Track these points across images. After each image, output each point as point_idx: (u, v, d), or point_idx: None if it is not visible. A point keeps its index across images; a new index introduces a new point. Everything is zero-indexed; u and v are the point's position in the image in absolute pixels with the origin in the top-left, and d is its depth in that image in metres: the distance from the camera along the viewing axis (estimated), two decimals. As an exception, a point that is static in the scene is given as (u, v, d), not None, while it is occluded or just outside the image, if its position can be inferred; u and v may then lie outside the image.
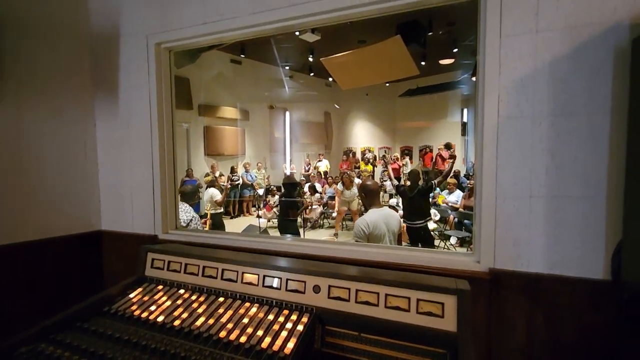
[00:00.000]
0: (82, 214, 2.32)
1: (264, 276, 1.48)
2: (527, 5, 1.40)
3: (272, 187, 9.28)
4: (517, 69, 1.43)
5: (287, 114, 12.08)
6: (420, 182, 4.93)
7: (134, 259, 1.74)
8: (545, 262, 1.43)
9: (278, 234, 5.35)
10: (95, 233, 2.37)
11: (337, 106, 13.58)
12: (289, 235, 4.67)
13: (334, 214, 7.62)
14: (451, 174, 6.80)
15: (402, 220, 4.16)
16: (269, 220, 8.26)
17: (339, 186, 7.48)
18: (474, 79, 1.28)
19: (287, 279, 1.44)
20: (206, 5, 2.01)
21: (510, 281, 1.46)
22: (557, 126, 1.39)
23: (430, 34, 7.07)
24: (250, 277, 1.51)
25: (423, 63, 8.96)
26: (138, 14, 2.21)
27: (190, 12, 2.05)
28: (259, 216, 7.35)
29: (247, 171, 9.45)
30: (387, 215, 2.59)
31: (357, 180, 7.47)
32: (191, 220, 3.06)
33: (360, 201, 5.95)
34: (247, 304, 1.41)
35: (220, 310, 1.38)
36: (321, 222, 8.16)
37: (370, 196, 2.68)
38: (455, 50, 8.64)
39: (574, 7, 1.34)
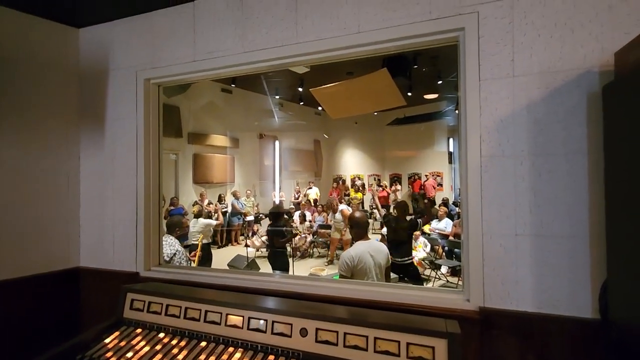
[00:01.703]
0: (60, 250, 2.24)
1: (249, 318, 1.44)
2: (503, 52, 1.48)
3: (261, 215, 9.18)
4: (497, 110, 1.49)
5: (277, 142, 12.19)
6: (408, 218, 4.90)
7: (114, 297, 1.68)
8: (534, 301, 1.42)
9: (267, 264, 5.23)
10: (73, 270, 2.28)
11: (326, 136, 13.81)
12: (277, 272, 4.57)
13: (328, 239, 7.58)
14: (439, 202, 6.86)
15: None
16: (257, 250, 8.11)
17: (329, 215, 7.49)
18: (457, 112, 1.34)
19: (273, 321, 1.40)
20: (196, 44, 2.07)
21: (500, 320, 1.45)
22: (537, 166, 1.43)
23: (415, 67, 7.37)
24: (234, 319, 1.46)
25: (409, 94, 9.26)
26: (128, 50, 2.25)
27: (180, 49, 2.11)
28: (247, 245, 7.21)
29: (236, 199, 9.36)
30: (374, 249, 2.56)
31: (343, 207, 7.46)
32: (174, 254, 2.98)
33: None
34: (231, 349, 1.36)
35: (202, 357, 1.32)
36: (311, 251, 8.05)
37: (357, 228, 2.66)
38: (440, 82, 9.00)
39: (547, 55, 1.42)
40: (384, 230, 7.35)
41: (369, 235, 2.70)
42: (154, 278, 2.09)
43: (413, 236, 5.21)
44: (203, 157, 9.83)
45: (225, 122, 10.36)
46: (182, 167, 9.24)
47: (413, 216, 5.41)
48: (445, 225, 6.79)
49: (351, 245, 2.62)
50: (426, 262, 6.15)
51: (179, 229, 3.35)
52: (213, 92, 10.04)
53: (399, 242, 4.57)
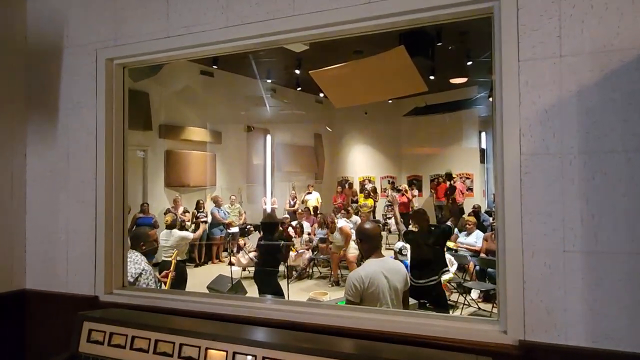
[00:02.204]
0: (0, 269, 2.24)
1: (234, 353, 1.44)
2: (548, 26, 1.49)
3: (248, 226, 9.18)
4: (541, 98, 1.49)
5: (269, 136, 12.23)
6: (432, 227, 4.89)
7: (67, 327, 1.68)
8: (587, 334, 1.42)
9: (255, 287, 5.23)
10: (17, 293, 2.28)
11: (329, 129, 13.83)
12: (268, 296, 4.56)
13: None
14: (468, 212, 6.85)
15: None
16: (244, 269, 8.10)
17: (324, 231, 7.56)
18: (490, 99, 1.36)
19: (264, 357, 1.40)
20: (170, 16, 2.08)
21: (545, 357, 1.45)
22: (590, 166, 1.43)
23: (439, 44, 7.40)
24: (216, 355, 1.46)
25: (432, 77, 9.28)
26: (87, 24, 2.26)
27: (150, 23, 2.12)
28: (231, 263, 7.22)
29: (217, 206, 9.38)
30: (389, 268, 2.57)
31: (342, 223, 7.44)
32: (140, 274, 2.99)
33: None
34: (211, 392, 1.36)
35: (176, 402, 1.33)
36: (310, 271, 8.04)
37: (368, 242, 2.67)
38: (469, 63, 9.02)
39: (601, 31, 1.43)
40: (399, 244, 7.36)
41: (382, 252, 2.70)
42: (117, 303, 2.09)
43: (445, 247, 5.17)
44: (177, 154, 9.86)
45: (205, 112, 10.40)
46: (151, 166, 9.27)
47: (440, 225, 5.39)
48: (475, 239, 6.78)
49: (360, 264, 2.63)
50: (452, 284, 6.14)
51: (144, 243, 3.36)
52: (190, 75, 10.09)
53: (424, 259, 4.55)
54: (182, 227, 8.38)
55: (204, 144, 10.45)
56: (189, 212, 9.17)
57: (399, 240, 8.45)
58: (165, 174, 9.62)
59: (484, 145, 13.06)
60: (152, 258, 7.16)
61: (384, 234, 10.22)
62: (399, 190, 11.79)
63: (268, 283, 4.90)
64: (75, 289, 2.20)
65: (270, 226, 5.25)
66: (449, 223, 4.77)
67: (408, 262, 5.25)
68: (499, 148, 1.55)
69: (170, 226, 5.96)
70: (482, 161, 13.04)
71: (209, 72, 10.34)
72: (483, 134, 12.99)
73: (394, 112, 13.41)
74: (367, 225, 2.78)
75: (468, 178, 13.00)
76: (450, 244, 6.84)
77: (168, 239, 5.76)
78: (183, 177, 9.90)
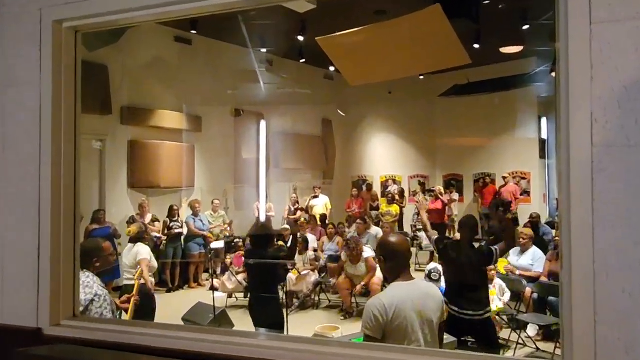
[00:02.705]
0: None
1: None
2: (629, -23, 1.48)
3: (236, 239, 9.18)
4: (619, 71, 1.48)
5: (263, 123, 12.25)
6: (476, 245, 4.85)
7: (1, 370, 1.70)
8: (678, 382, 1.41)
9: (247, 317, 5.23)
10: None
11: (342, 113, 13.80)
12: (262, 330, 4.56)
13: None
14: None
15: (445, 301, 4.10)
16: (230, 296, 8.12)
17: (342, 255, 7.51)
18: (554, 74, 1.35)
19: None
20: (136, -34, 2.10)
21: (623, 412, 1.44)
22: (685, 161, 1.42)
23: (486, 2, 7.37)
24: (193, 406, 1.47)
25: (476, 46, 9.25)
26: (29, -23, 2.29)
27: (110, -25, 2.14)
28: (213, 289, 7.25)
29: (195, 214, 9.42)
30: (421, 294, 2.57)
31: (369, 253, 7.33)
32: (92, 300, 3.01)
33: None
34: None
35: None
36: (316, 299, 8.05)
37: (393, 261, 2.66)
38: (526, 27, 8.96)
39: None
40: (430, 266, 7.32)
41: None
42: (67, 338, 2.09)
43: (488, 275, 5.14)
44: (145, 146, 9.90)
45: (181, 91, 10.42)
46: (111, 161, 9.32)
47: (483, 243, 5.34)
48: (531, 259, 6.71)
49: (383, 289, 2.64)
50: (503, 317, 6.10)
51: (98, 259, 3.37)
52: (162, 42, 10.13)
53: (466, 284, 4.52)
54: (154, 242, 8.42)
55: (179, 133, 10.47)
56: (159, 220, 9.20)
57: (431, 261, 8.45)
58: (128, 172, 9.65)
59: (545, 135, 12.92)
60: (110, 278, 7.22)
61: (413, 250, 10.20)
62: (430, 192, 11.72)
63: (267, 312, 4.89)
64: (12, 320, 2.21)
65: (262, 239, 5.25)
66: (495, 246, 4.70)
67: (443, 287, 5.22)
68: (563, 138, 1.54)
69: (135, 239, 5.99)
70: (543, 156, 12.91)
71: (186, 38, 10.37)
72: (544, 120, 12.85)
73: (427, 91, 13.35)
74: (393, 239, 2.77)
75: (524, 178, 12.89)
76: (500, 265, 6.77)
77: (130, 255, 5.80)
78: (152, 176, 9.93)
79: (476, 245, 4.81)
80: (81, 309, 2.93)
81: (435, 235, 5.00)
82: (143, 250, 5.78)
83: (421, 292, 2.62)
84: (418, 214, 8.33)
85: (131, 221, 8.29)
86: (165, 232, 9.06)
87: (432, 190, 11.94)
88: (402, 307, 2.46)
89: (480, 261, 4.63)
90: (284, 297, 6.61)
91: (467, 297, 4.47)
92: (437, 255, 5.53)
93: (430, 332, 2.50)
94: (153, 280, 5.92)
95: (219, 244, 9.44)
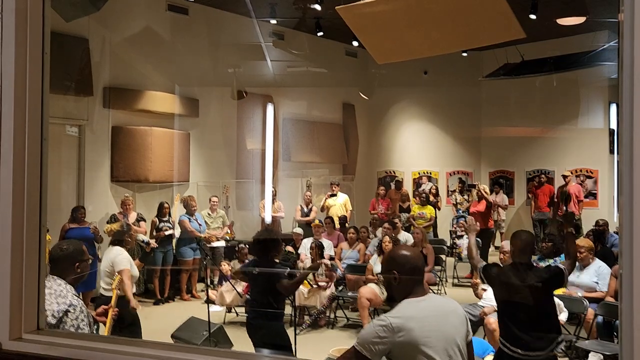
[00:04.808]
0: None
1: None
2: None
3: (241, 245, 9.20)
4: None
5: (270, 107, 12.28)
6: (541, 263, 4.73)
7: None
8: None
9: (244, 335, 5.26)
10: None
11: (365, 97, 13.76)
12: (265, 352, 4.56)
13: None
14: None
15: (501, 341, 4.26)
16: (230, 310, 8.15)
17: (373, 254, 7.51)
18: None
19: None
20: None
21: None
22: None
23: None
24: None
25: (532, 17, 9.15)
26: None
27: None
28: (209, 301, 7.30)
29: (190, 213, 9.48)
30: (439, 311, 2.63)
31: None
32: (67, 312, 3.03)
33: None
34: None
35: None
36: (332, 316, 8.05)
37: (405, 275, 2.69)
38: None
39: None
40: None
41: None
42: (29, 354, 2.11)
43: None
44: (131, 133, 10.00)
45: (175, 69, 10.50)
46: (91, 151, 9.44)
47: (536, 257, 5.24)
48: (594, 275, 6.63)
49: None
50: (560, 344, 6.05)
51: (79, 264, 3.40)
52: (152, 11, 10.21)
53: (530, 317, 4.37)
54: (138, 245, 8.47)
55: (171, 118, 10.54)
56: (145, 220, 9.25)
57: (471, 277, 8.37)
58: (111, 163, 9.77)
59: (615, 125, 12.70)
60: (86, 289, 7.29)
61: (451, 260, 10.15)
62: (469, 190, 11.58)
63: (270, 331, 4.91)
64: (-34, 334, 2.25)
65: (265, 245, 5.25)
66: (559, 264, 4.57)
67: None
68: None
69: (116, 241, 6.04)
70: (613, 150, 12.69)
71: (180, 6, 10.44)
72: (613, 107, 12.65)
73: (471, 71, 13.30)
74: (404, 252, 2.87)
75: (589, 177, 12.72)
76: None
77: (104, 261, 5.88)
78: (139, 168, 10.02)
79: (541, 263, 4.69)
80: (54, 321, 2.98)
81: (481, 263, 4.82)
82: (121, 258, 5.76)
83: (438, 308, 2.69)
84: (464, 232, 8.17)
85: (112, 220, 8.38)
86: (154, 233, 9.04)
87: (472, 187, 11.79)
88: (415, 325, 2.48)
89: (548, 283, 4.49)
90: (293, 314, 6.63)
91: (532, 332, 4.34)
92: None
93: (454, 354, 2.52)
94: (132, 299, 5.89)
95: (219, 244, 9.61)
